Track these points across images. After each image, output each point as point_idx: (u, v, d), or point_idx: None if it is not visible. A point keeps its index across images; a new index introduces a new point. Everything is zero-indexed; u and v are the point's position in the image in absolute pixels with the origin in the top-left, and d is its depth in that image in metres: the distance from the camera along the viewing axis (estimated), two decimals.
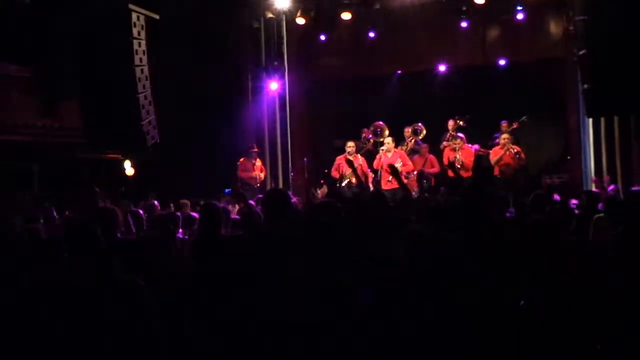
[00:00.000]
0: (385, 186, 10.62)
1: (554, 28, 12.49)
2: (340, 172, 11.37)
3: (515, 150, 11.05)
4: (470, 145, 11.74)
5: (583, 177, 11.71)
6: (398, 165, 10.62)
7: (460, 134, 11.75)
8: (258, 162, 11.97)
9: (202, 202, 6.18)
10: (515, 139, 11.43)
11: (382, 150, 11.12)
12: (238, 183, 11.45)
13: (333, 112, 13.84)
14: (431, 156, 12.03)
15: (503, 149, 11.08)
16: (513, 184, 10.64)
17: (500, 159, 11.09)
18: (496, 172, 11.18)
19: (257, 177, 11.86)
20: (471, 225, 4.07)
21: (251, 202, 6.73)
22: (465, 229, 4.04)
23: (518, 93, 12.71)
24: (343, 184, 11.34)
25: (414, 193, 10.39)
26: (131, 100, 10.24)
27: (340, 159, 11.35)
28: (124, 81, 10.29)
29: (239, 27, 12.38)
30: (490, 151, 11.44)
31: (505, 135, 11.16)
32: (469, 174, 11.25)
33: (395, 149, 11.24)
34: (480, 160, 11.81)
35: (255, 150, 11.97)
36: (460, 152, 11.39)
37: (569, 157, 12.60)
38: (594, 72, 9.16)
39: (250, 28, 12.69)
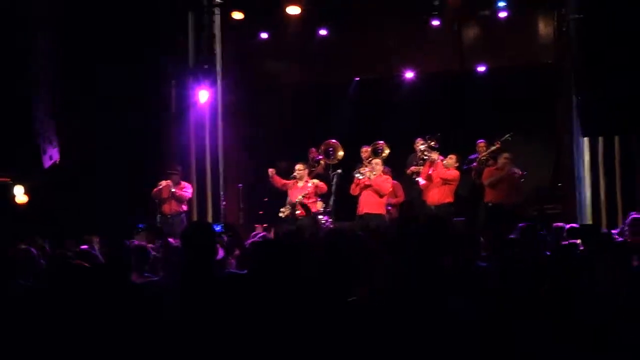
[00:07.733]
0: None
1: (544, 28, 12.58)
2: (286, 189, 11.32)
3: (519, 175, 11.06)
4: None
5: (578, 207, 11.42)
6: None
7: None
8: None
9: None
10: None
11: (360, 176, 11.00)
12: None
13: (275, 127, 13.64)
14: (394, 182, 11.56)
15: (503, 171, 11.01)
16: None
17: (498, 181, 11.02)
18: (488, 196, 11.12)
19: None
20: None
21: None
22: None
23: (500, 106, 12.76)
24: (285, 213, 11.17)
25: None
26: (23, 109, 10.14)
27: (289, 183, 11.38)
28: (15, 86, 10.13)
29: (159, 20, 11.78)
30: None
31: (506, 154, 11.11)
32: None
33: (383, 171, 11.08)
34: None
35: (176, 173, 11.33)
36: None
37: (560, 184, 12.47)
38: (591, 81, 9.30)
39: (175, 22, 12.16)
